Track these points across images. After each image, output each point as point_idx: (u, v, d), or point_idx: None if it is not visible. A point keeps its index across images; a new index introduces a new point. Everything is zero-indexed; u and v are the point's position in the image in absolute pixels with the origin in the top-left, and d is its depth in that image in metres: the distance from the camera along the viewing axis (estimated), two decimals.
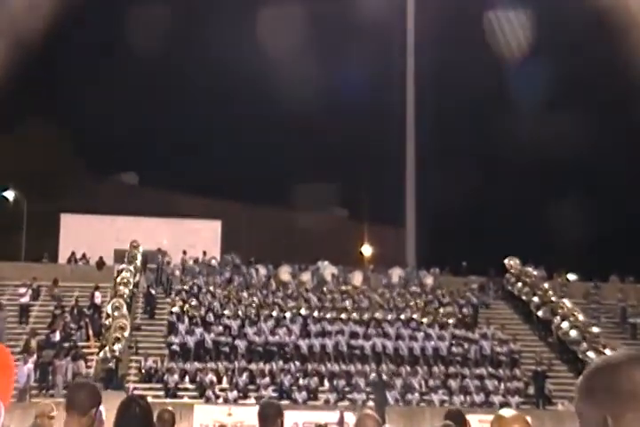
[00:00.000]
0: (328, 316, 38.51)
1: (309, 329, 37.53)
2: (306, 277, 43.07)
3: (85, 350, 34.92)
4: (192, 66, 67.50)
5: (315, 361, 35.81)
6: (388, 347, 36.92)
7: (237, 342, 36.20)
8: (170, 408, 8.90)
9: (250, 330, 36.88)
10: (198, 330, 36.41)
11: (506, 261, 45.02)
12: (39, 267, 43.31)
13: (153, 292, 40.18)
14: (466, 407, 31.54)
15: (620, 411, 1.99)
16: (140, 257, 42.16)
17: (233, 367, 34.87)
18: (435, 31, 50.92)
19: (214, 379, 33.85)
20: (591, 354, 35.73)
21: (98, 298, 38.79)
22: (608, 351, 33.35)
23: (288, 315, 38.32)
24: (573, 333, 38.07)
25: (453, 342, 37.85)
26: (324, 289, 41.72)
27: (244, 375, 34.33)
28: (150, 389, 32.35)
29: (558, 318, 39.36)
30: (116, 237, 46.96)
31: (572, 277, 50.59)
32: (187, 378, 34.33)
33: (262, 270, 43.31)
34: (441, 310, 40.30)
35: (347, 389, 34.35)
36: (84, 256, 45.07)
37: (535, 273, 44.11)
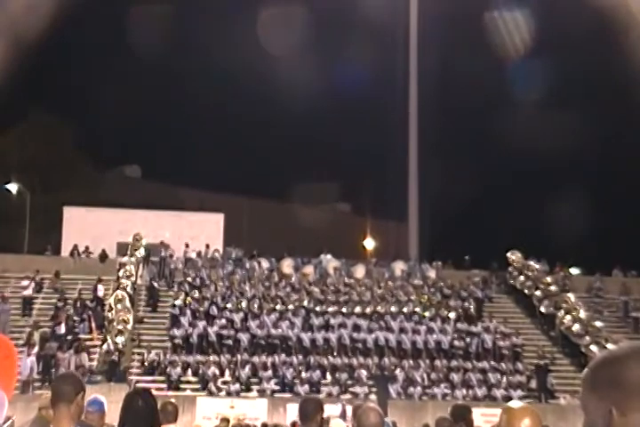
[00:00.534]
0: (330, 309, 38.51)
1: (312, 322, 37.54)
2: (308, 270, 43.08)
3: (88, 343, 34.95)
4: (194, 59, 67.48)
5: (317, 354, 35.83)
6: (391, 340, 36.92)
7: (240, 334, 36.22)
8: (173, 401, 8.92)
9: (252, 323, 36.90)
10: (201, 323, 36.43)
11: (508, 254, 45.01)
12: (42, 259, 43.34)
13: (155, 285, 40.20)
14: (468, 401, 31.63)
15: (626, 404, 1.98)
16: (143, 250, 42.17)
17: (235, 360, 34.89)
18: (437, 28, 50.85)
19: (217, 372, 33.87)
20: (594, 348, 35.75)
21: (100, 291, 38.80)
22: (611, 346, 33.34)
23: (290, 308, 38.33)
24: (576, 327, 38.07)
25: (456, 335, 37.85)
26: (327, 282, 41.75)
27: (247, 368, 34.36)
28: (153, 381, 32.41)
29: (562, 311, 39.35)
30: (119, 230, 46.92)
31: (574, 270, 50.62)
32: (189, 371, 34.37)
33: (265, 263, 43.32)
34: (443, 304, 40.30)
35: (349, 382, 34.37)
36: (86, 249, 45.07)
37: (538, 267, 44.11)
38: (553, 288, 41.68)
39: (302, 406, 6.84)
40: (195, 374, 34.21)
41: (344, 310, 38.48)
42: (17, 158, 57.90)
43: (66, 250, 46.77)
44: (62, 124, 62.94)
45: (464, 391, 34.39)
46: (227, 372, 34.30)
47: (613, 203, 59.84)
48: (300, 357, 35.44)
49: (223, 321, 36.92)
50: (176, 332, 36.09)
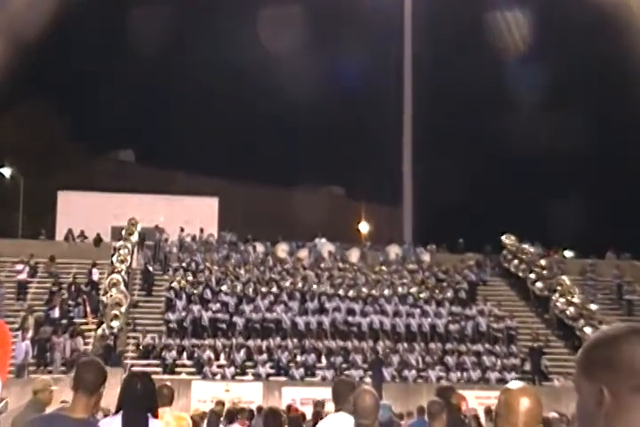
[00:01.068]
0: (325, 292, 38.54)
1: (306, 306, 37.58)
2: (303, 254, 43.11)
3: (83, 327, 34.97)
4: (190, 47, 67.38)
5: (312, 338, 35.88)
6: (386, 324, 36.97)
7: (235, 318, 36.25)
8: (168, 384, 8.96)
9: (247, 307, 36.93)
10: (196, 307, 36.44)
11: (502, 238, 45.08)
12: (36, 244, 43.29)
13: (150, 269, 40.20)
14: (462, 384, 31.74)
15: (617, 385, 1.98)
16: (137, 234, 42.13)
17: (230, 344, 34.94)
18: (432, 19, 50.71)
19: (212, 355, 33.91)
20: (588, 330, 35.87)
21: (95, 275, 38.80)
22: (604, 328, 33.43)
23: (285, 292, 38.36)
24: (571, 309, 38.18)
25: (450, 318, 37.93)
26: (322, 266, 41.78)
27: (242, 352, 34.40)
28: (148, 365, 32.43)
29: (556, 294, 39.44)
30: (114, 214, 46.88)
31: (568, 253, 50.72)
32: (184, 354, 34.42)
33: (260, 247, 43.33)
34: (437, 287, 40.36)
35: (344, 365, 34.44)
36: (81, 233, 45.03)
37: (532, 250, 44.20)
38: (547, 272, 41.78)
39: (336, 387, 6.92)
40: (190, 357, 34.26)
41: (339, 293, 38.50)
42: (11, 143, 57.71)
43: (60, 234, 46.75)
44: (56, 109, 62.81)
45: (458, 374, 34.47)
46: (222, 355, 34.36)
47: (608, 186, 59.95)
48: (295, 340, 35.50)
49: (218, 305, 36.93)
50: (171, 316, 36.12)
